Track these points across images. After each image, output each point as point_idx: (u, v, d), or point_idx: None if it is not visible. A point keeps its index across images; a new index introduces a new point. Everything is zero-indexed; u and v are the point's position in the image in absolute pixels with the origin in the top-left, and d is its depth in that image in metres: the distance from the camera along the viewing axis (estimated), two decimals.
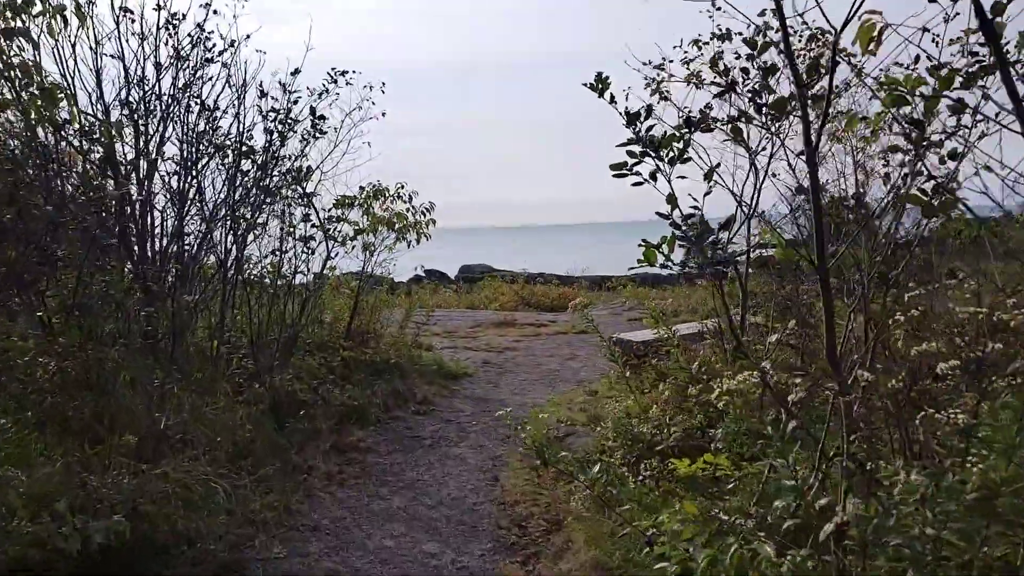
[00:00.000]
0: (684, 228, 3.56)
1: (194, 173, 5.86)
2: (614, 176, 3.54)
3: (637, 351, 7.69)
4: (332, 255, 7.42)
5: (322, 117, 6.33)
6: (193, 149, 5.76)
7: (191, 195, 5.86)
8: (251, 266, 7.20)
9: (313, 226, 6.95)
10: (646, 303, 13.72)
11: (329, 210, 7.22)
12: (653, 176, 3.53)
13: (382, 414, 6.74)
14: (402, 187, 8.33)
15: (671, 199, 3.55)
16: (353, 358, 7.53)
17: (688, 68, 5.98)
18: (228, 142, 5.92)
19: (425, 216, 8.37)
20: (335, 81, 6.52)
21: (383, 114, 8.19)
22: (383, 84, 7.52)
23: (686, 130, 3.91)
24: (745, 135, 5.37)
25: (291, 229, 6.85)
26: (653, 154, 3.55)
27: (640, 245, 3.47)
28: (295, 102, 6.12)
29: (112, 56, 5.46)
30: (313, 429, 6.04)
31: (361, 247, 8.23)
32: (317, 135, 6.53)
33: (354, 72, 7.09)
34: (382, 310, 8.84)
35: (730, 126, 5.26)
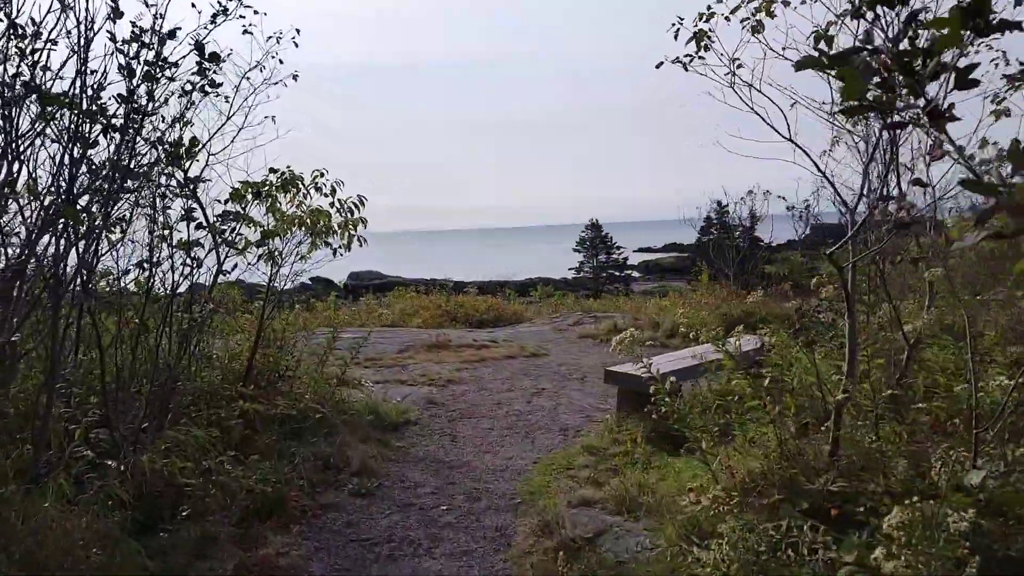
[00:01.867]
0: None
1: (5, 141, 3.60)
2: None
3: (636, 388, 5.89)
4: (227, 268, 5.24)
5: (214, 57, 4.15)
6: None
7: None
8: (108, 284, 4.99)
9: (199, 227, 4.76)
10: (598, 314, 12.03)
11: (226, 202, 5.05)
12: None
13: (308, 500, 4.63)
14: (321, 175, 6.23)
15: None
16: (259, 412, 5.37)
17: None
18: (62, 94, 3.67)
19: (353, 214, 6.28)
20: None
21: (295, 76, 6.13)
22: (296, 32, 5.47)
23: None
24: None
25: (166, 231, 4.65)
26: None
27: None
28: (171, 34, 3.92)
29: None
30: (203, 538, 3.93)
31: (266, 256, 6.08)
32: (206, 90, 4.37)
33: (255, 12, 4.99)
34: (295, 338, 6.67)
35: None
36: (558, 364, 8.75)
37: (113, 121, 3.84)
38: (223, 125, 5.49)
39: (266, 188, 5.63)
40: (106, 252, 4.36)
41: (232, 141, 5.72)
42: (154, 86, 3.81)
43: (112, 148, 3.87)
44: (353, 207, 6.29)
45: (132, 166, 4.15)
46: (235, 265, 5.25)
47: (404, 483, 5.04)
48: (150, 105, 3.87)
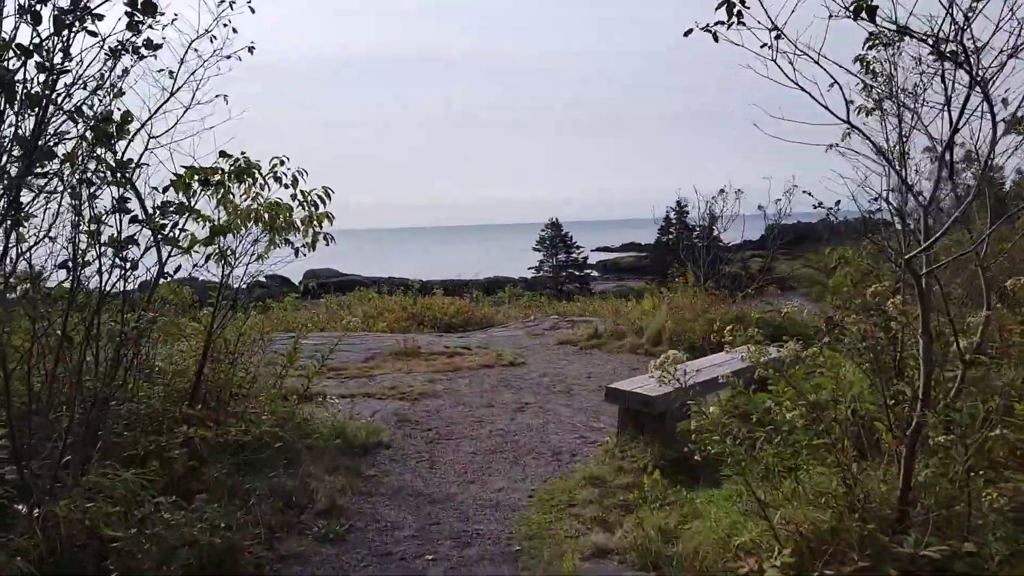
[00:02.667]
0: None
1: None
2: None
3: (642, 408, 5.23)
4: (169, 270, 4.43)
5: (150, 8, 3.33)
6: None
7: None
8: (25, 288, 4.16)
9: (134, 220, 3.94)
10: (574, 318, 11.37)
11: (165, 190, 4.24)
12: None
13: (265, 550, 3.86)
14: (281, 163, 5.44)
15: None
16: (207, 440, 4.56)
17: None
18: None
19: (318, 208, 5.50)
20: None
21: (251, 49, 5.36)
22: None
23: None
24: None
25: (93, 226, 3.83)
26: None
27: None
28: None
29: None
30: None
31: (217, 255, 5.27)
32: (141, 52, 3.56)
33: None
34: (250, 348, 5.84)
35: None
36: (539, 374, 8.05)
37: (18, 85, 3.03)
38: (165, 102, 4.71)
39: (217, 176, 4.83)
40: (13, 246, 3.55)
41: (177, 122, 4.95)
42: (70, 37, 2.99)
43: (12, 118, 3.05)
44: (318, 200, 5.50)
45: (46, 143, 3.34)
46: (178, 267, 4.43)
47: (379, 524, 4.28)
48: (67, 62, 3.05)
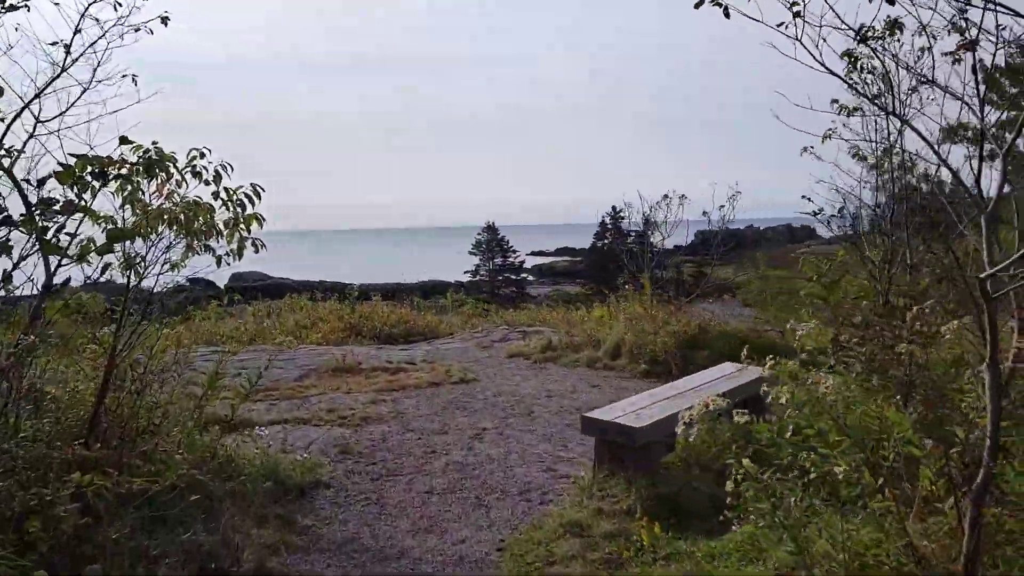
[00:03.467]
0: None
1: None
2: None
3: (623, 440, 4.59)
4: (57, 283, 3.59)
5: None
6: None
7: None
8: None
9: (6, 222, 3.10)
10: (525, 328, 10.71)
11: (42, 182, 3.40)
12: None
13: None
14: (201, 156, 4.61)
15: None
16: (106, 489, 3.71)
17: None
18: None
19: (245, 209, 4.68)
20: None
21: (164, 20, 4.60)
22: None
23: None
24: None
25: None
26: None
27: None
28: None
29: None
30: None
31: (124, 265, 4.44)
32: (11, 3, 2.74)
33: None
34: (164, 371, 4.97)
35: None
36: (494, 393, 7.35)
37: None
38: (56, 77, 3.89)
39: (118, 168, 3.99)
40: None
41: (72, 103, 4.14)
42: None
43: None
44: (245, 199, 4.68)
45: None
46: (67, 280, 3.59)
47: None
48: None
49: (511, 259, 54.94)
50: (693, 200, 19.18)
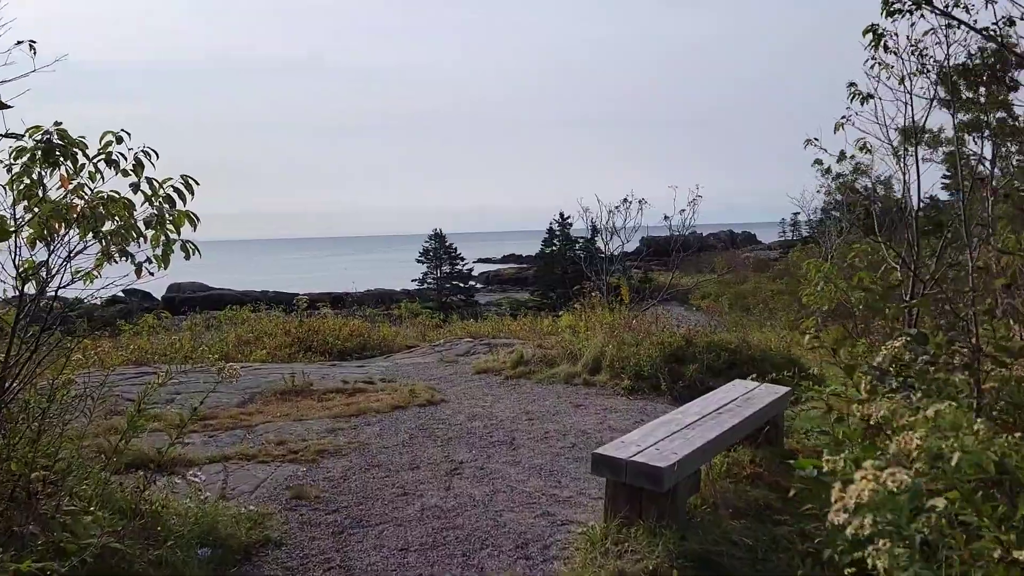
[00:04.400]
0: None
1: None
2: None
3: (645, 481, 3.80)
4: None
5: None
6: None
7: None
8: None
9: None
10: (491, 341, 9.88)
11: None
12: None
13: None
14: (119, 140, 3.70)
15: None
16: None
17: None
18: None
19: (174, 205, 3.77)
20: None
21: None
22: None
23: None
24: None
25: None
26: None
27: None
28: None
29: None
30: None
31: (17, 278, 3.53)
32: None
33: None
34: (73, 408, 3.99)
35: None
36: (467, 417, 6.50)
37: None
38: None
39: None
40: None
41: None
42: None
43: None
44: (174, 195, 3.77)
45: None
46: None
47: None
48: None
49: (459, 267, 54.04)
50: (654, 204, 18.73)
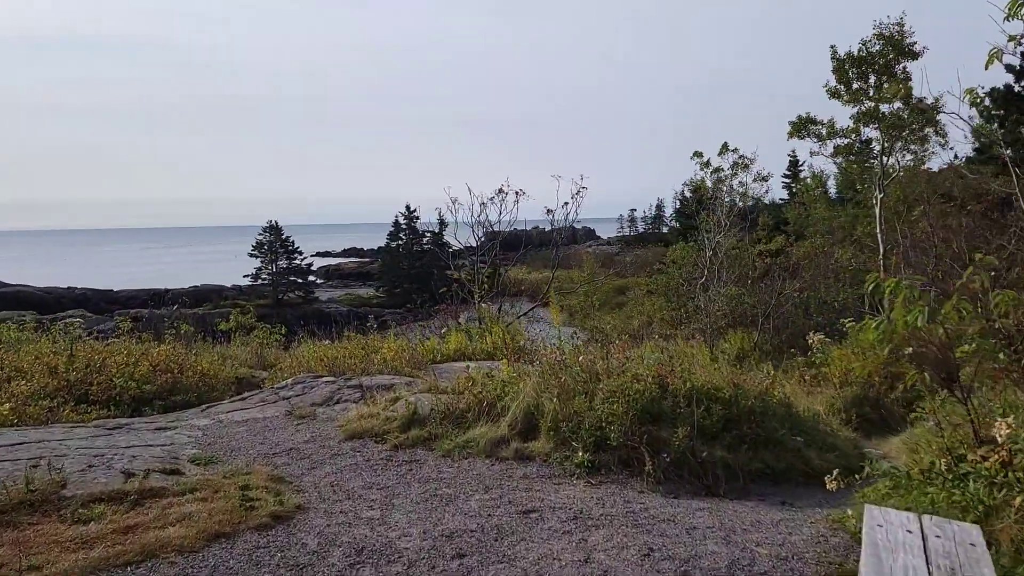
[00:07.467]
0: None
1: None
2: None
3: None
4: None
5: None
6: None
7: None
8: None
9: None
10: (362, 380, 6.97)
11: None
12: None
13: None
14: None
15: None
16: None
17: None
18: None
19: None
20: None
21: None
22: None
23: None
24: None
25: None
26: None
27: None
28: None
29: None
30: None
31: None
32: None
33: None
34: None
35: None
36: (345, 554, 3.65)
37: None
38: None
39: None
40: None
41: None
42: None
43: None
44: None
45: None
46: None
47: None
48: None
49: (296, 261, 49.73)
50: (534, 197, 16.97)
